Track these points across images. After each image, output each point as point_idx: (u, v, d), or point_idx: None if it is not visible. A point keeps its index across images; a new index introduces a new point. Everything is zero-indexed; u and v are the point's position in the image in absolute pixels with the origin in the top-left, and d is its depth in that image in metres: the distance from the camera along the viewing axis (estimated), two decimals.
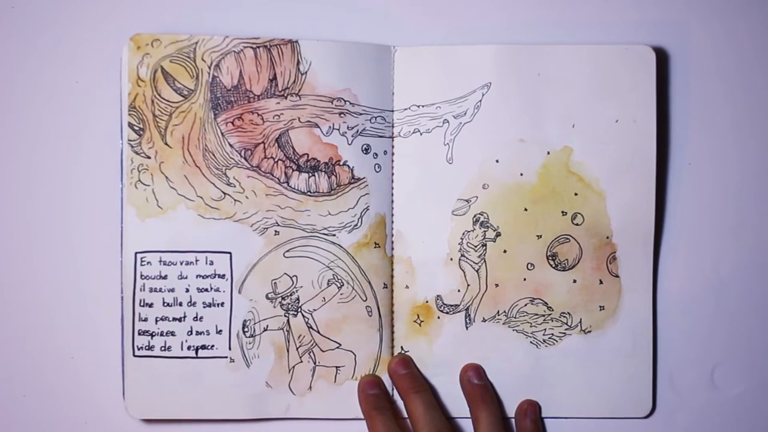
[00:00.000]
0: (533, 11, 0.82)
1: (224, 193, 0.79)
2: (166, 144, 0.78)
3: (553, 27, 0.82)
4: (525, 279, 0.82)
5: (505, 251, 0.81)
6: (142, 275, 0.78)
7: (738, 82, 0.82)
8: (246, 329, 0.79)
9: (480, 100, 0.80)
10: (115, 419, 0.81)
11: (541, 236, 0.81)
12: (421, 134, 0.81)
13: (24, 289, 0.81)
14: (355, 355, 0.81)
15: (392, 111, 0.81)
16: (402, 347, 0.82)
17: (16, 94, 0.81)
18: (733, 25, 0.82)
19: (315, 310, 0.80)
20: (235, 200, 0.79)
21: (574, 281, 0.82)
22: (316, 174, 0.79)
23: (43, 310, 0.81)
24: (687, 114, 0.82)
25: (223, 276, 0.79)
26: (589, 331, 0.82)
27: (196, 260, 0.79)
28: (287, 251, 0.80)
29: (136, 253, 0.78)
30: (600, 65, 0.81)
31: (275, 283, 0.80)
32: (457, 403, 0.82)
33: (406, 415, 0.81)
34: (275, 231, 0.79)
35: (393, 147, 0.81)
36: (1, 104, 0.81)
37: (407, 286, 0.82)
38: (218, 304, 0.79)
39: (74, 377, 0.81)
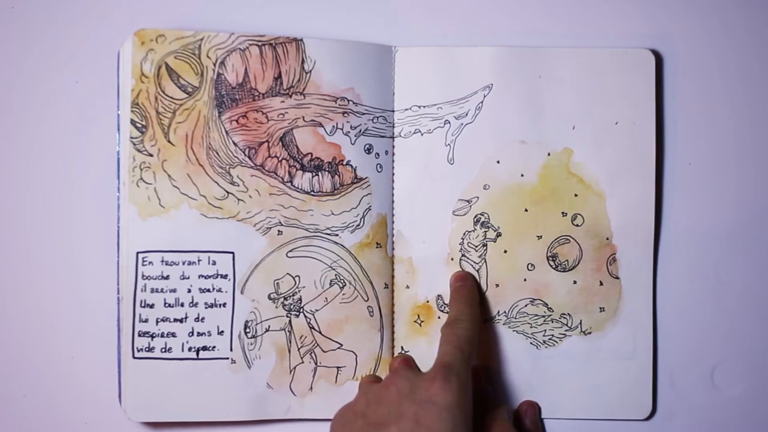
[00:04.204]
0: (534, 14, 0.82)
1: (227, 192, 0.78)
2: (169, 142, 0.78)
3: (553, 30, 0.82)
4: (525, 279, 0.82)
5: (505, 251, 0.82)
6: (143, 275, 0.78)
7: (737, 83, 0.83)
8: (248, 330, 0.79)
9: (481, 102, 0.81)
10: (115, 420, 0.80)
11: (541, 237, 0.81)
12: (422, 135, 0.81)
13: (24, 289, 0.81)
14: (356, 356, 0.81)
15: (393, 111, 0.81)
16: (402, 347, 0.82)
17: (16, 94, 0.80)
18: (731, 27, 0.83)
19: (317, 310, 0.80)
20: (238, 199, 0.78)
21: (575, 282, 0.82)
22: (319, 173, 0.79)
23: (43, 311, 0.81)
24: (686, 115, 0.82)
25: (225, 276, 0.79)
26: (589, 333, 0.82)
27: (199, 260, 0.78)
28: (290, 251, 0.79)
29: (137, 252, 0.78)
30: (600, 68, 0.81)
31: (278, 283, 0.79)
32: None
33: None
34: (278, 231, 0.79)
35: (394, 147, 0.81)
36: (1, 104, 0.80)
37: (408, 286, 0.82)
38: (220, 305, 0.79)
39: (74, 378, 0.81)
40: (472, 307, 0.79)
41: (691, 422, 0.83)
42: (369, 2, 0.82)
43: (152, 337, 0.78)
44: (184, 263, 0.78)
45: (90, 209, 0.80)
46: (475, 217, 0.81)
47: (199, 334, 0.78)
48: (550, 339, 0.82)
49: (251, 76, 0.78)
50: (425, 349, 0.82)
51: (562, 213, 0.81)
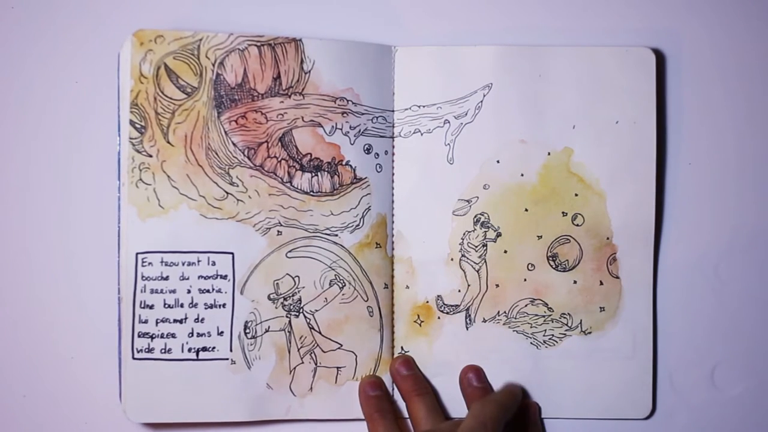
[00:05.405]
0: (534, 13, 0.82)
1: (227, 193, 0.78)
2: (168, 142, 0.77)
3: (553, 28, 0.82)
4: (525, 279, 0.82)
5: (505, 251, 0.81)
6: (143, 276, 0.78)
7: (737, 82, 0.82)
8: (248, 330, 0.79)
9: (481, 101, 0.81)
10: (115, 419, 0.80)
11: (541, 237, 0.81)
12: (421, 134, 0.81)
13: (24, 289, 0.81)
14: (356, 356, 0.81)
15: (393, 111, 0.81)
16: (402, 347, 0.82)
17: (16, 94, 0.80)
18: (732, 26, 0.83)
19: (317, 310, 0.80)
20: (237, 200, 0.78)
21: (575, 282, 0.82)
22: (319, 174, 0.79)
23: (43, 311, 0.81)
24: (686, 115, 0.82)
25: (225, 277, 0.78)
26: (590, 332, 0.82)
27: (198, 261, 0.78)
28: (290, 251, 0.79)
29: (137, 253, 0.77)
30: (600, 67, 0.81)
31: (277, 283, 0.79)
32: (457, 404, 0.82)
33: (406, 415, 0.80)
34: (278, 231, 0.79)
35: (393, 147, 0.81)
36: (1, 104, 0.80)
37: (408, 287, 0.82)
38: (220, 305, 0.79)
39: (74, 378, 0.81)
40: (510, 397, 0.79)
41: (691, 422, 0.83)
42: (369, 2, 0.82)
43: (152, 337, 0.78)
44: (183, 264, 0.78)
45: (90, 209, 0.80)
46: (475, 217, 0.81)
47: (199, 335, 0.78)
48: (550, 339, 0.82)
49: (250, 77, 0.78)
50: (425, 349, 0.82)
51: (563, 213, 0.81)
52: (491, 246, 0.81)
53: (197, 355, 0.78)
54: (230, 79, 0.78)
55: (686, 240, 0.82)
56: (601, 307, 0.82)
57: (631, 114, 0.81)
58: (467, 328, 0.82)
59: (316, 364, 0.80)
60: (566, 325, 0.82)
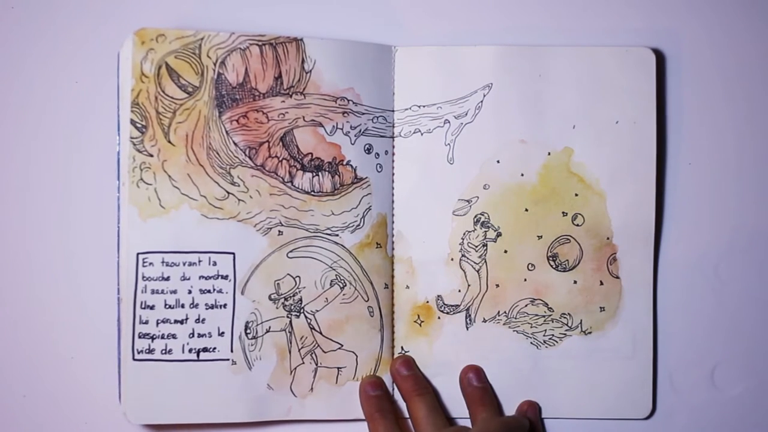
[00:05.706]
0: (534, 13, 0.82)
1: (228, 193, 0.78)
2: (170, 142, 0.77)
3: (553, 28, 0.82)
4: (525, 279, 0.82)
5: (505, 251, 0.81)
6: (144, 276, 0.77)
7: (737, 82, 0.83)
8: (248, 331, 0.79)
9: (481, 101, 0.81)
10: (115, 420, 0.80)
11: (541, 237, 0.81)
12: (422, 134, 0.81)
13: (24, 289, 0.80)
14: (356, 356, 0.80)
15: (393, 111, 0.81)
16: (402, 347, 0.82)
17: (16, 94, 0.80)
18: (732, 26, 0.83)
19: (318, 310, 0.80)
20: (239, 200, 0.78)
21: (575, 282, 0.82)
22: (319, 174, 0.79)
23: (43, 311, 0.80)
24: (686, 115, 0.83)
25: (226, 277, 0.78)
26: (590, 332, 0.82)
27: (199, 261, 0.78)
28: (291, 251, 0.79)
29: (138, 253, 0.77)
30: (600, 67, 0.81)
31: (278, 283, 0.79)
32: (457, 404, 0.82)
33: (407, 415, 0.80)
34: (279, 231, 0.79)
35: (394, 147, 0.81)
36: (1, 104, 0.80)
37: (408, 287, 0.82)
38: (221, 306, 0.78)
39: (74, 378, 0.81)
40: (516, 422, 0.79)
41: (691, 422, 0.83)
42: (369, 2, 0.82)
43: (152, 338, 0.77)
44: (184, 264, 0.78)
45: (90, 209, 0.80)
46: (475, 217, 0.81)
47: (200, 336, 0.78)
48: (550, 339, 0.82)
49: (251, 76, 0.78)
50: (425, 349, 0.82)
51: (563, 213, 0.81)
52: (491, 246, 0.81)
53: (198, 355, 0.78)
54: (231, 79, 0.78)
55: (686, 240, 0.83)
56: (601, 307, 0.82)
57: (631, 114, 0.81)
58: (467, 328, 0.82)
59: (316, 365, 0.80)
60: (566, 325, 0.82)
